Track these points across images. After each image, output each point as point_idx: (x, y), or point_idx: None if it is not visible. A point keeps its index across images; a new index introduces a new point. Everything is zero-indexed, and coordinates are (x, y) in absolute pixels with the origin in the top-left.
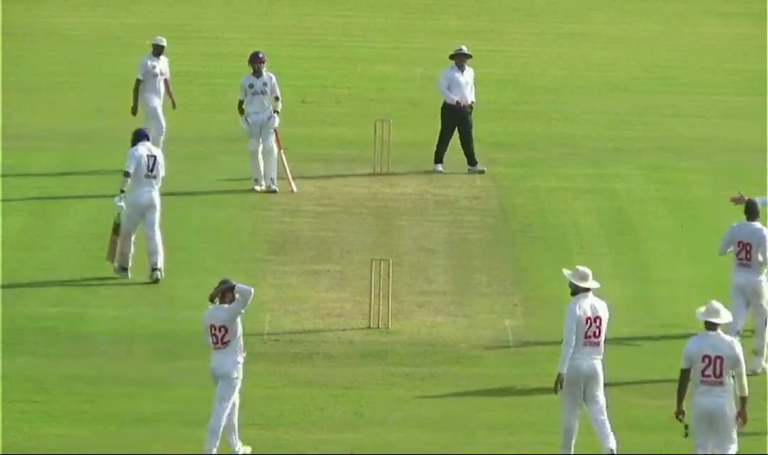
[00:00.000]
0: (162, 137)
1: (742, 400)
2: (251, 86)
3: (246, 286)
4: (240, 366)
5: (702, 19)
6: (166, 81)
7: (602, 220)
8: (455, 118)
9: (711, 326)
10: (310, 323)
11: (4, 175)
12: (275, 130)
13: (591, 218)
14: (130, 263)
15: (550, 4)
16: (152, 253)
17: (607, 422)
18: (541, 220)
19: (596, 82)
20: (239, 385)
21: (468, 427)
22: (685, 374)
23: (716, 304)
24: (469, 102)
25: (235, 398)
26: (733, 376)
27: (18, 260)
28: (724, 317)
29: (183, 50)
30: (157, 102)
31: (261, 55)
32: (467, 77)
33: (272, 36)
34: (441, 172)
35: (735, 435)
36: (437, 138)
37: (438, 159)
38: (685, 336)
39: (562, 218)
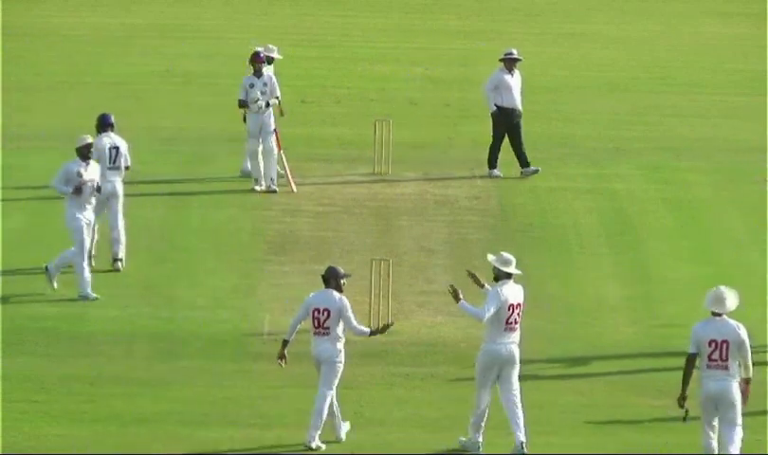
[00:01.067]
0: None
1: (746, 381)
2: (252, 86)
3: (363, 329)
4: (342, 352)
5: (702, 19)
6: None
7: (602, 220)
8: (506, 123)
9: (717, 312)
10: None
11: (4, 175)
12: (275, 130)
13: (591, 218)
14: (93, 252)
15: (550, 4)
16: (114, 243)
17: (520, 410)
18: (541, 220)
19: (596, 82)
20: (341, 370)
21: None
22: (691, 359)
23: (722, 292)
24: (518, 106)
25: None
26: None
27: (18, 260)
28: (730, 305)
29: (183, 50)
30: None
31: (262, 55)
32: (516, 80)
33: (272, 36)
34: (499, 176)
35: (740, 419)
36: (490, 144)
37: (492, 165)
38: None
39: (562, 218)
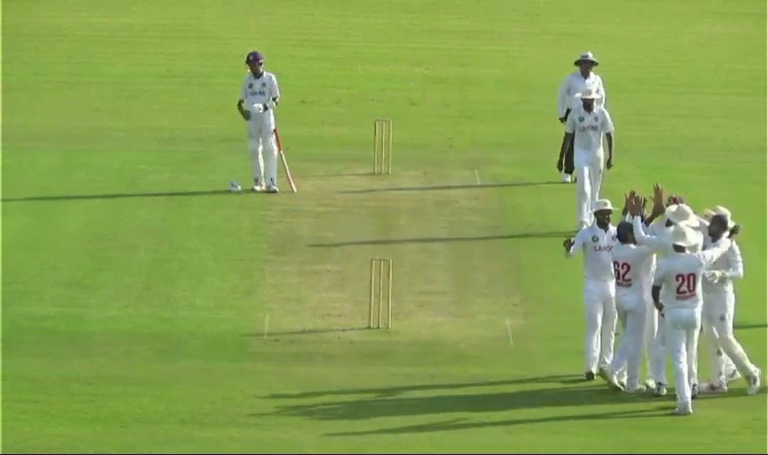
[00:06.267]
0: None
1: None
2: (251, 86)
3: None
4: (647, 303)
5: (702, 19)
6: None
7: None
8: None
9: (679, 248)
10: (310, 323)
11: (4, 175)
12: (275, 130)
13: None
14: None
15: (550, 4)
16: None
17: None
18: (541, 220)
19: None
20: (647, 320)
21: (468, 427)
22: (656, 291)
23: (683, 227)
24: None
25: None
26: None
27: (18, 260)
28: (691, 240)
29: (183, 50)
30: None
31: (258, 55)
32: (590, 84)
33: (272, 36)
34: (567, 182)
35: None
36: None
37: (567, 169)
38: None
39: (562, 218)
